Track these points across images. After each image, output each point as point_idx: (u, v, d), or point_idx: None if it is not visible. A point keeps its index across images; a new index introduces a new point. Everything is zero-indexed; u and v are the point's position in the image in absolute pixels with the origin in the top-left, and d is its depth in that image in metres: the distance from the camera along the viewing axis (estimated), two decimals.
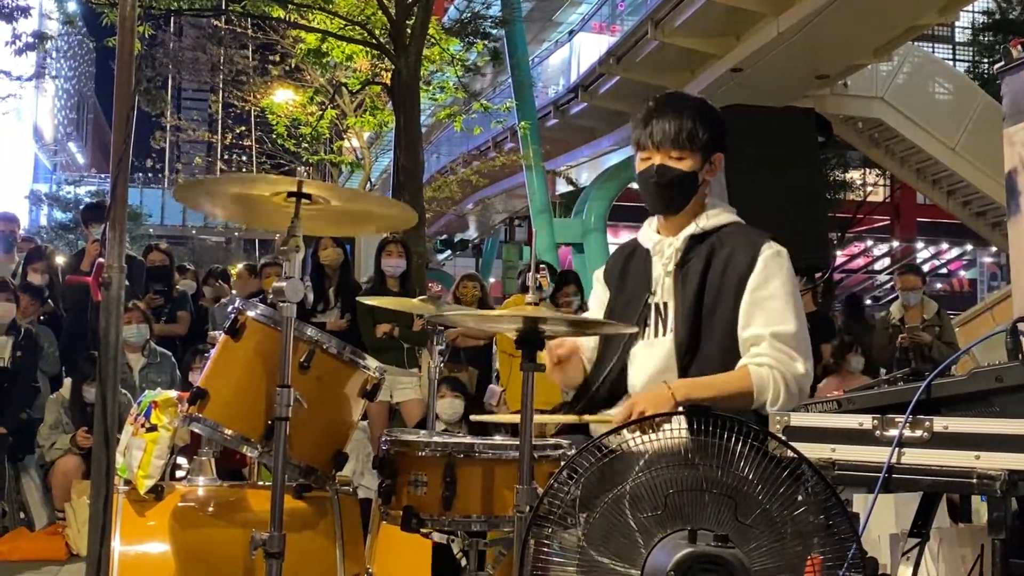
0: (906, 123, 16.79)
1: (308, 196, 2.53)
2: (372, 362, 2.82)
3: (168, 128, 22.52)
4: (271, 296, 2.48)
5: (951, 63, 24.36)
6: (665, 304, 2.57)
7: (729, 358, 2.46)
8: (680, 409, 2.20)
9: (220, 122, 22.12)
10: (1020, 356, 1.97)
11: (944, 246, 30.59)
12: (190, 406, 2.69)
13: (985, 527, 1.89)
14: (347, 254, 6.49)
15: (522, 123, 17.09)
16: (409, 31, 10.11)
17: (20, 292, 6.26)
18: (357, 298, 6.01)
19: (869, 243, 31.42)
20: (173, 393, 3.03)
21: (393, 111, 11.26)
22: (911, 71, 17.47)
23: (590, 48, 20.51)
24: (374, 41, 11.02)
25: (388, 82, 11.18)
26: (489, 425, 6.48)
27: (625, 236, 17.85)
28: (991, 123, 14.66)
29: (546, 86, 22.87)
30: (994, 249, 23.58)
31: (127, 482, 2.91)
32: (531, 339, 2.23)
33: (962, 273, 31.59)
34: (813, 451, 2.02)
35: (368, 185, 17.65)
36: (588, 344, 2.71)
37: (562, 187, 22.31)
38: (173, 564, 2.77)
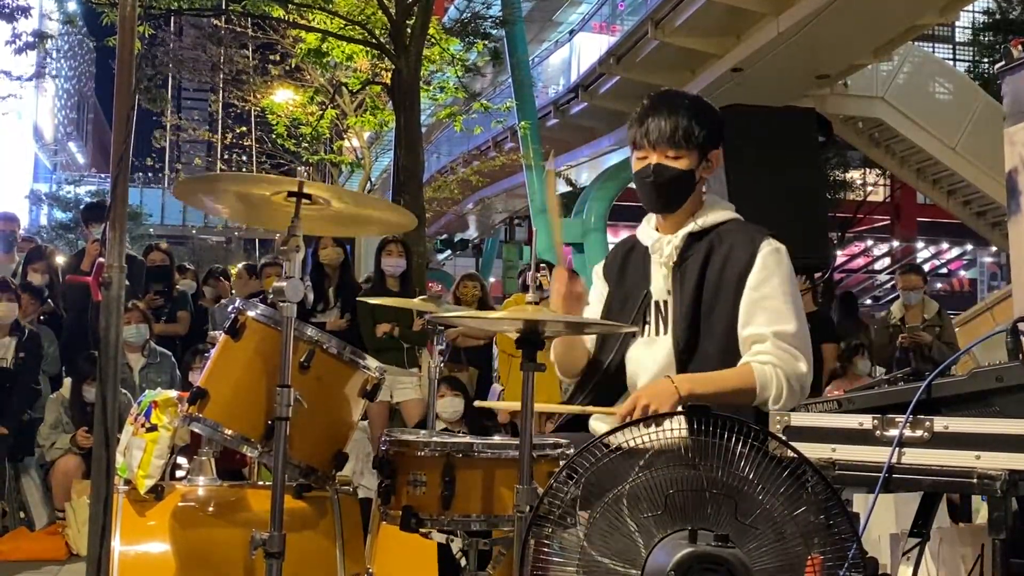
0: (906, 123, 16.79)
1: (308, 196, 2.54)
2: (372, 362, 2.82)
3: (168, 127, 22.54)
4: (271, 296, 2.48)
5: (951, 63, 24.34)
6: (665, 302, 2.57)
7: (728, 356, 2.46)
8: (681, 409, 2.20)
9: (220, 122, 22.12)
10: (1020, 356, 1.97)
11: (944, 246, 30.61)
12: (190, 406, 2.69)
13: (985, 527, 1.89)
14: (347, 254, 6.48)
15: (522, 123, 17.09)
16: (409, 31, 10.11)
17: (20, 292, 6.26)
18: (358, 298, 6.01)
19: (869, 243, 31.45)
20: (173, 393, 3.03)
21: (393, 111, 11.25)
22: (911, 71, 17.46)
23: (590, 48, 20.52)
24: (374, 41, 11.02)
25: (388, 82, 11.19)
26: (490, 425, 6.52)
27: (625, 236, 17.79)
28: (991, 123, 14.67)
29: (546, 86, 22.88)
30: (994, 249, 23.59)
31: (127, 482, 2.91)
32: (531, 339, 2.23)
33: (962, 273, 31.61)
34: (813, 451, 2.02)
35: (368, 185, 17.65)
36: (587, 341, 2.71)
37: (562, 187, 22.30)
38: (173, 564, 2.77)
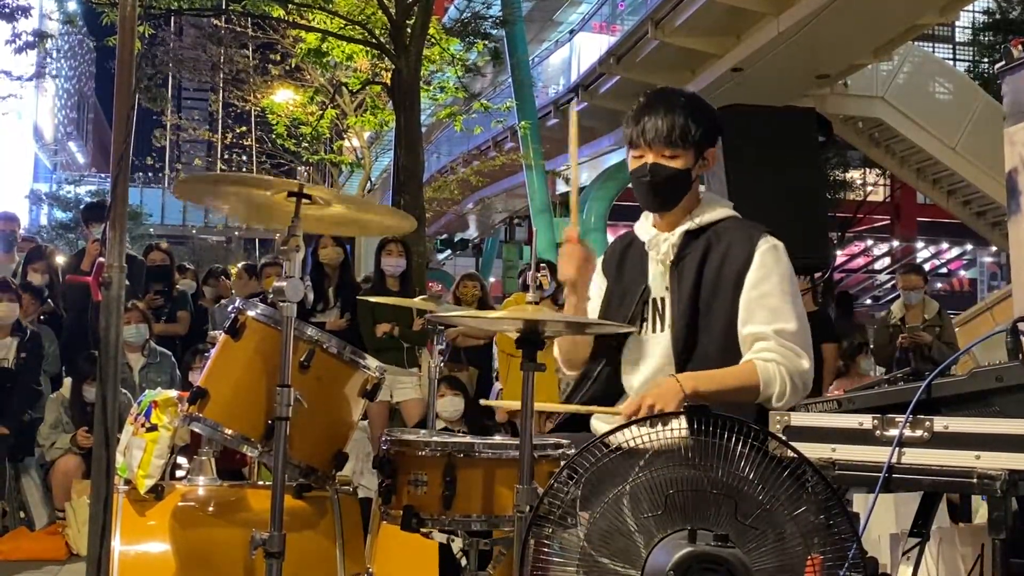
0: (906, 123, 16.78)
1: (308, 196, 2.54)
2: (372, 362, 2.82)
3: (168, 127, 22.54)
4: (271, 296, 2.48)
5: (951, 63, 24.35)
6: (662, 299, 2.57)
7: (728, 354, 2.46)
8: (682, 409, 2.20)
9: (220, 121, 22.13)
10: (1020, 356, 1.97)
11: (944, 246, 30.59)
12: (190, 406, 2.69)
13: (985, 527, 1.89)
14: (347, 253, 6.48)
15: (522, 123, 17.09)
16: (409, 31, 10.11)
17: (21, 292, 6.26)
18: (358, 297, 6.01)
19: (869, 243, 31.43)
20: (173, 393, 3.03)
21: (393, 111, 11.25)
22: (911, 71, 17.46)
23: (590, 48, 20.52)
24: (374, 41, 11.02)
25: (388, 82, 11.19)
26: (490, 424, 6.52)
27: None
28: (991, 123, 14.67)
29: (546, 86, 22.89)
30: (994, 249, 23.59)
31: (127, 482, 2.91)
32: (531, 339, 2.23)
33: (962, 273, 31.60)
34: (813, 451, 2.02)
35: (368, 185, 17.65)
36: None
37: (562, 187, 22.32)
38: (173, 564, 2.77)
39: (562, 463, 2.05)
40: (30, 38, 12.55)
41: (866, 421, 2.03)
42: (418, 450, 2.41)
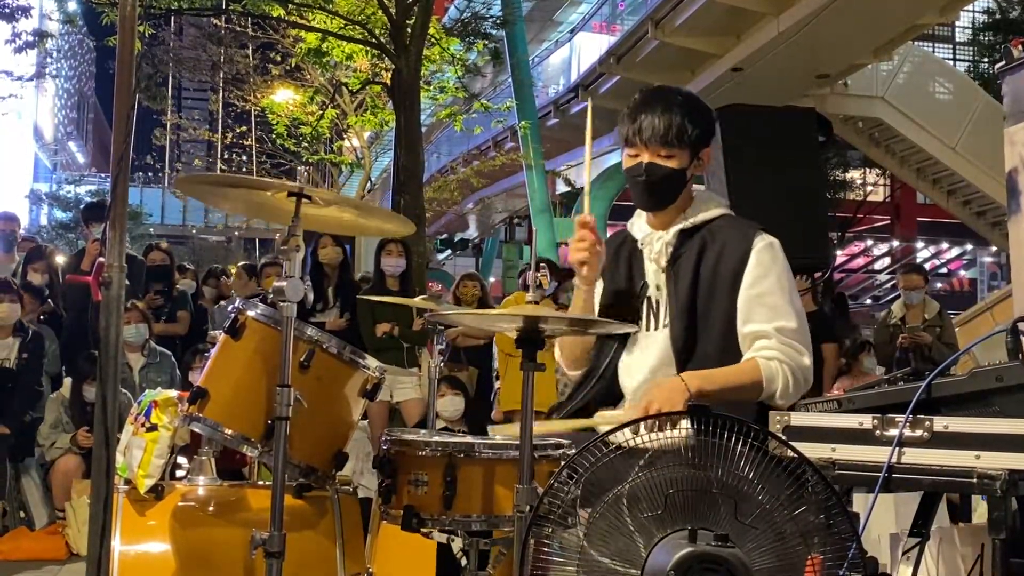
0: (906, 123, 16.79)
1: (309, 196, 2.54)
2: (372, 362, 2.82)
3: (168, 126, 22.55)
4: (271, 295, 2.48)
5: (951, 63, 24.35)
6: (657, 299, 2.56)
7: (727, 353, 2.46)
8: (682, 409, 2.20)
9: (220, 121, 22.13)
10: (1020, 356, 1.97)
11: (944, 246, 30.61)
12: (190, 406, 2.69)
13: (985, 527, 1.89)
14: (346, 253, 6.48)
15: (522, 123, 17.09)
16: (409, 31, 10.11)
17: (22, 292, 6.26)
18: (358, 296, 6.01)
19: (869, 243, 31.45)
20: (173, 393, 3.03)
21: (393, 111, 11.25)
22: (911, 71, 17.46)
23: (590, 48, 20.53)
24: (374, 41, 11.02)
25: (388, 82, 11.19)
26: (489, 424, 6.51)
27: None
28: (991, 123, 14.67)
29: (546, 86, 22.89)
30: (994, 249, 23.59)
31: (127, 481, 2.91)
32: (531, 339, 2.23)
33: (962, 273, 31.60)
34: (813, 451, 2.02)
35: (368, 185, 17.65)
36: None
37: (562, 187, 22.34)
38: (173, 564, 2.77)
39: (562, 463, 2.05)
40: (30, 38, 12.56)
41: (866, 421, 2.03)
42: (418, 450, 2.41)
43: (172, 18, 15.69)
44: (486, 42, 13.32)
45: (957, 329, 7.37)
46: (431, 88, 13.91)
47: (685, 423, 1.94)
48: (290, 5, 11.42)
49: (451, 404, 5.59)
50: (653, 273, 2.58)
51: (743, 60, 14.66)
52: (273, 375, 2.49)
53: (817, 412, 2.19)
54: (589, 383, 2.65)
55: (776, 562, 1.83)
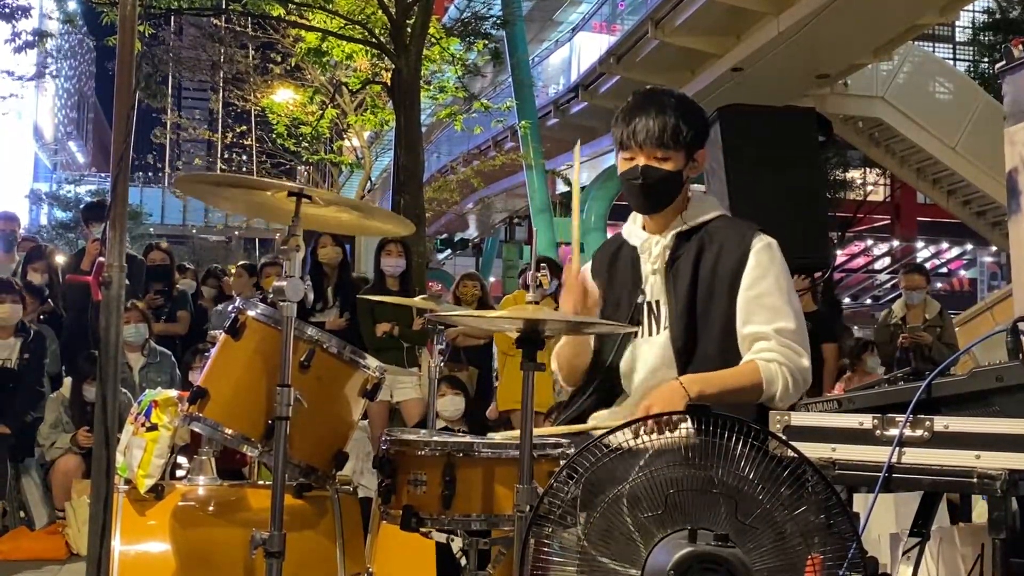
0: (906, 122, 16.79)
1: (309, 196, 2.54)
2: (372, 361, 2.82)
3: (168, 126, 22.55)
4: (271, 295, 2.48)
5: (951, 63, 24.35)
6: (657, 302, 2.56)
7: (727, 354, 2.46)
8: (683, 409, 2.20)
9: (220, 121, 22.14)
10: (1020, 356, 1.97)
11: (944, 245, 30.61)
12: (190, 405, 2.69)
13: (985, 527, 1.89)
14: (346, 253, 6.48)
15: (522, 123, 17.09)
16: (409, 30, 10.11)
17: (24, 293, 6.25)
18: (358, 296, 6.01)
19: (869, 243, 31.45)
20: (173, 392, 3.03)
21: (393, 110, 11.26)
22: (911, 70, 17.47)
23: (590, 47, 20.53)
24: (374, 40, 11.02)
25: (388, 81, 11.19)
26: (490, 424, 6.52)
27: None
28: (991, 122, 14.67)
29: (546, 86, 22.90)
30: (994, 248, 23.58)
31: (127, 481, 2.91)
32: (531, 339, 2.23)
33: (962, 272, 31.59)
34: (814, 451, 2.02)
35: (368, 185, 17.65)
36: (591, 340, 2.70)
37: (562, 187, 22.33)
38: (173, 563, 2.77)
39: (562, 463, 2.05)
40: (30, 38, 12.57)
41: (866, 421, 2.03)
42: (418, 450, 2.41)
43: (172, 18, 15.69)
44: (486, 42, 13.32)
45: (957, 329, 7.37)
46: (431, 88, 13.90)
47: (685, 424, 1.94)
48: (290, 5, 11.42)
49: (451, 404, 5.59)
50: (652, 278, 2.58)
51: (743, 60, 14.66)
52: (273, 375, 2.49)
53: (817, 412, 2.19)
54: (585, 392, 2.64)
55: (776, 562, 1.83)
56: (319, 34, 12.08)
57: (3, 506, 5.73)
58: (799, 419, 2.14)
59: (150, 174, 39.03)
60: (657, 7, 15.29)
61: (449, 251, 31.41)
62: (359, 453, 5.36)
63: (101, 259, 2.50)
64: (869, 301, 29.86)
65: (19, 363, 5.93)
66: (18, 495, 5.85)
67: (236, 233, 36.59)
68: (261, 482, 3.14)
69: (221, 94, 19.83)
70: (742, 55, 14.61)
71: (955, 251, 30.55)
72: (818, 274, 5.43)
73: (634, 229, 2.67)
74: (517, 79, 18.36)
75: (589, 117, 19.45)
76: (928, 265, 28.41)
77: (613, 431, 1.97)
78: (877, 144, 17.72)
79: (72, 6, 19.69)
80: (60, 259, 7.37)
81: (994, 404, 1.96)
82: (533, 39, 25.50)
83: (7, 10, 12.06)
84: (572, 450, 2.28)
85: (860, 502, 2.26)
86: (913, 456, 1.96)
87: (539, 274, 2.51)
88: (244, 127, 20.60)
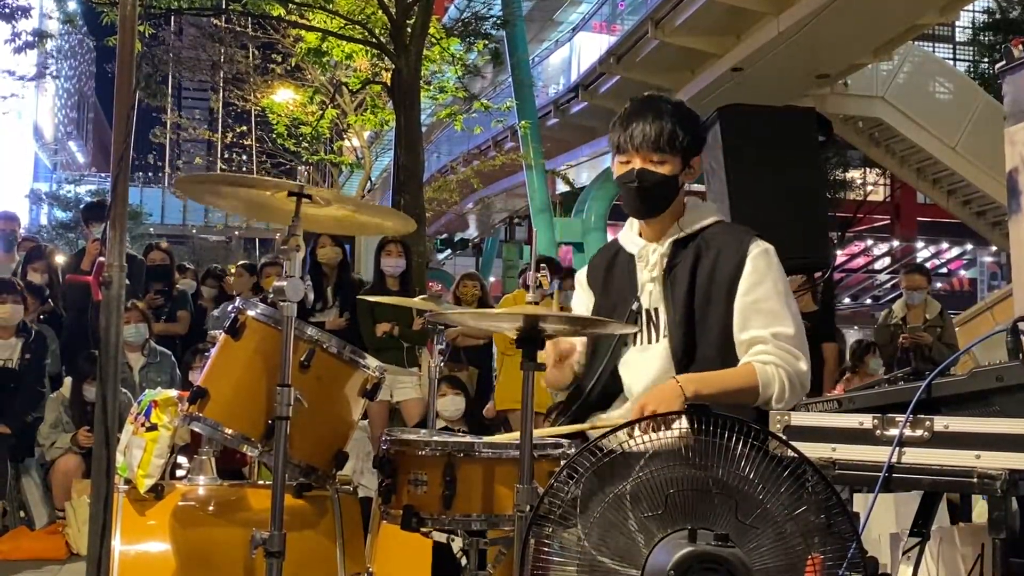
0: (906, 122, 16.79)
1: (309, 196, 2.54)
2: (372, 361, 2.82)
3: (168, 125, 22.54)
4: (271, 295, 2.48)
5: (951, 63, 24.35)
6: (656, 310, 2.56)
7: (727, 360, 2.46)
8: (683, 409, 2.20)
9: (220, 121, 22.13)
10: (1020, 355, 1.97)
11: (944, 245, 30.59)
12: (190, 405, 2.69)
13: (985, 527, 1.89)
14: (345, 253, 6.48)
15: (522, 123, 17.09)
16: (409, 30, 10.11)
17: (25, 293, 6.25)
18: (358, 296, 6.01)
19: (869, 242, 31.43)
20: (173, 392, 3.03)
21: (393, 110, 11.26)
22: (911, 70, 17.47)
23: (590, 47, 20.53)
24: (374, 40, 11.02)
25: (388, 81, 11.19)
26: (489, 424, 6.51)
27: None
28: (991, 122, 14.68)
29: (546, 85, 22.89)
30: (994, 248, 23.58)
31: (127, 481, 2.91)
32: (531, 338, 2.23)
33: (962, 272, 31.58)
34: (814, 450, 2.02)
35: (368, 185, 17.65)
36: (577, 347, 2.70)
37: (562, 187, 22.32)
38: (173, 563, 2.77)
39: (562, 463, 2.05)
40: (30, 38, 12.56)
41: (866, 421, 2.03)
42: (418, 450, 2.41)
43: (172, 18, 15.69)
44: (486, 42, 13.32)
45: (957, 329, 7.37)
46: (431, 88, 13.90)
47: (681, 423, 1.94)
48: (290, 5, 11.42)
49: (452, 404, 5.59)
50: (652, 287, 2.58)
51: (743, 60, 14.66)
52: (273, 375, 2.49)
53: (817, 412, 2.19)
54: (580, 396, 2.64)
55: (776, 562, 1.83)
56: (319, 34, 12.07)
57: (3, 506, 5.73)
58: (799, 419, 2.14)
59: (150, 174, 39.04)
60: (657, 7, 15.29)
61: (449, 251, 31.41)
62: (359, 453, 5.36)
63: (101, 259, 2.50)
64: (869, 301, 29.84)
65: (20, 363, 5.93)
66: (18, 495, 5.85)
67: (236, 233, 36.57)
68: (261, 482, 3.14)
69: (221, 94, 19.82)
70: (742, 55, 14.61)
71: (955, 251, 30.53)
72: (818, 274, 5.43)
73: (631, 236, 2.67)
74: (517, 79, 18.36)
75: (589, 117, 19.44)
76: (928, 265, 28.42)
77: (612, 431, 1.97)
78: (877, 144, 17.72)
79: (72, 6, 19.68)
80: (60, 259, 7.38)
81: (994, 404, 1.96)
82: (533, 39, 25.50)
83: (7, 10, 12.06)
84: (572, 450, 2.29)
85: (860, 502, 2.26)
86: (913, 456, 1.96)
87: (539, 274, 2.51)
88: (244, 127, 20.60)
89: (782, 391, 2.39)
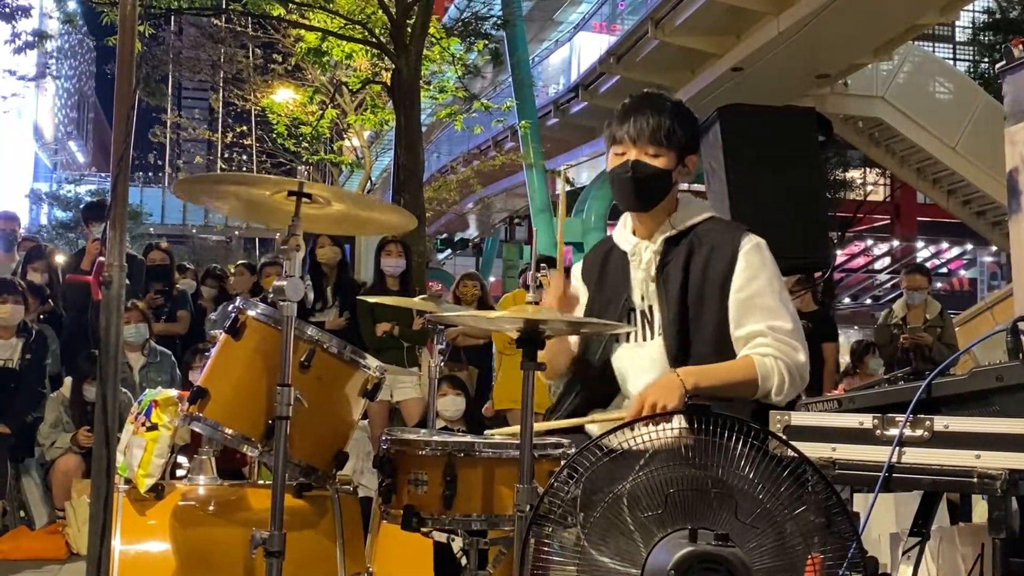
0: (906, 122, 16.79)
1: (308, 195, 2.54)
2: (372, 361, 2.82)
3: (168, 125, 22.54)
4: (271, 295, 2.48)
5: (951, 63, 24.34)
6: (650, 308, 2.56)
7: (723, 357, 2.46)
8: (682, 407, 2.20)
9: (220, 120, 22.14)
10: (1020, 355, 1.97)
11: (944, 245, 30.59)
12: (190, 405, 2.69)
13: (985, 527, 1.89)
14: (344, 253, 6.48)
15: (522, 122, 17.09)
16: (409, 30, 10.11)
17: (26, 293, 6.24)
18: (358, 297, 6.01)
19: (869, 242, 31.43)
20: (173, 392, 3.03)
21: (393, 110, 11.26)
22: (911, 70, 17.47)
23: (590, 47, 20.53)
24: (374, 40, 11.02)
25: (388, 81, 11.19)
26: (489, 424, 6.51)
27: None
28: (991, 122, 14.68)
29: (546, 85, 22.89)
30: (994, 248, 23.58)
31: (127, 481, 2.91)
32: (531, 338, 2.23)
33: (962, 272, 31.58)
34: (814, 450, 2.02)
35: (368, 184, 17.65)
36: (573, 338, 2.71)
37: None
38: (173, 563, 2.77)
39: (562, 463, 2.05)
40: (30, 38, 12.56)
41: (866, 420, 2.03)
42: (418, 449, 2.41)
43: (172, 18, 15.69)
44: (486, 42, 13.32)
45: (957, 329, 7.37)
46: (431, 88, 13.90)
47: (678, 420, 1.94)
48: (290, 4, 11.42)
49: (452, 404, 5.60)
50: (644, 285, 2.58)
51: (743, 60, 14.66)
52: (273, 374, 2.49)
53: (817, 412, 2.19)
54: (572, 393, 2.65)
55: (776, 562, 1.83)
56: (319, 34, 12.07)
57: (3, 506, 5.73)
58: (799, 419, 2.14)
59: (150, 174, 39.03)
60: (657, 7, 15.29)
61: (449, 251, 31.41)
62: (359, 453, 5.36)
63: (101, 259, 2.50)
64: (869, 301, 29.85)
65: (21, 363, 5.93)
66: (18, 495, 5.85)
67: (236, 233, 36.59)
68: (261, 482, 3.14)
69: (221, 94, 19.82)
70: (742, 55, 14.61)
71: (955, 251, 30.53)
72: (818, 274, 5.44)
73: (624, 234, 2.67)
74: (517, 79, 18.36)
75: (589, 117, 19.44)
76: (928, 265, 28.41)
77: (612, 431, 1.97)
78: (877, 144, 17.72)
79: (72, 6, 19.67)
80: (60, 259, 7.37)
81: (994, 404, 1.96)
82: (533, 39, 25.50)
83: (7, 10, 12.06)
84: (572, 450, 2.29)
85: (860, 502, 2.26)
86: (913, 456, 1.96)
87: (539, 274, 2.52)
88: (244, 127, 20.60)
89: (781, 383, 2.39)
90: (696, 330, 2.48)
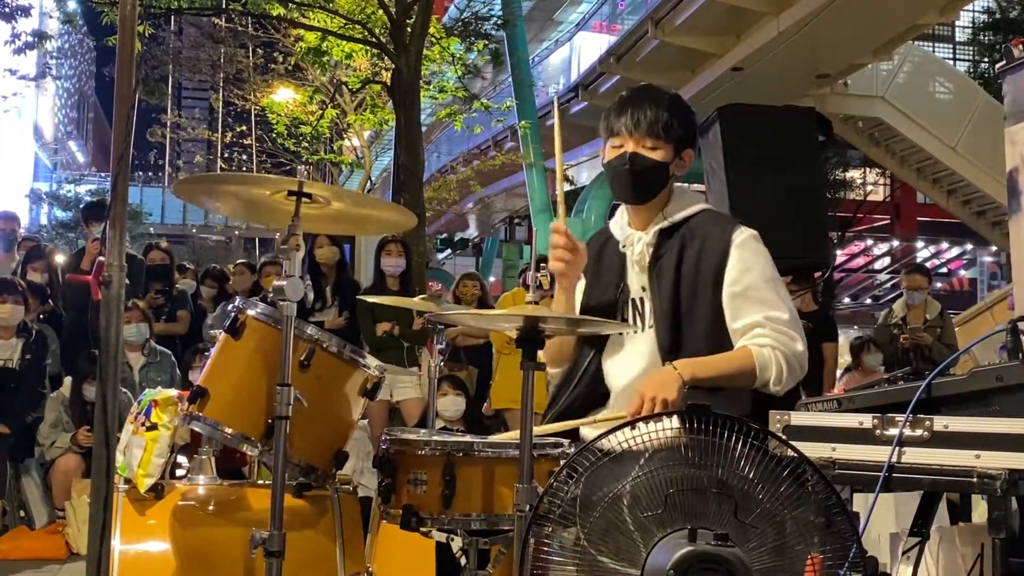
0: (906, 122, 16.79)
1: (308, 195, 2.54)
2: (372, 361, 2.82)
3: (168, 125, 22.54)
4: (271, 295, 2.48)
5: (951, 63, 24.34)
6: (642, 299, 2.57)
7: (716, 351, 2.45)
8: (681, 408, 2.20)
9: (220, 120, 22.13)
10: (1020, 355, 1.97)
11: (944, 245, 30.59)
12: (190, 405, 2.68)
13: (985, 527, 1.89)
14: (343, 252, 6.48)
15: (522, 122, 17.09)
16: (409, 30, 10.11)
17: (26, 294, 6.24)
18: (358, 296, 6.01)
19: (869, 242, 31.43)
20: (173, 392, 3.03)
21: (393, 110, 11.26)
22: (911, 70, 17.46)
23: (590, 47, 20.52)
24: (374, 40, 11.02)
25: (388, 81, 11.19)
26: (489, 423, 6.51)
27: None
28: (991, 122, 14.68)
29: (546, 85, 22.88)
30: (994, 248, 23.58)
31: (127, 481, 2.91)
32: (531, 338, 2.23)
33: (962, 272, 31.58)
34: (814, 450, 2.02)
35: (368, 184, 17.65)
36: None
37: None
38: (173, 563, 2.77)
39: (562, 462, 2.05)
40: (30, 38, 12.56)
41: (866, 420, 2.03)
42: (418, 449, 2.41)
43: (172, 18, 15.69)
44: (486, 42, 13.32)
45: (957, 329, 7.38)
46: (431, 88, 13.90)
47: (670, 421, 1.94)
48: (290, 4, 11.42)
49: (452, 404, 5.59)
50: (636, 275, 2.59)
51: (743, 60, 14.66)
52: (273, 374, 2.49)
53: (817, 411, 2.19)
54: (570, 386, 2.64)
55: (776, 562, 1.83)
56: (319, 34, 12.07)
57: (3, 506, 5.73)
58: (799, 419, 2.14)
59: (150, 174, 39.02)
60: (657, 7, 15.28)
61: (449, 251, 31.41)
62: (359, 453, 5.36)
63: (101, 259, 2.50)
64: (869, 301, 29.85)
65: (21, 363, 5.93)
66: (18, 495, 5.85)
67: (236, 233, 36.58)
68: (261, 481, 3.14)
69: (221, 93, 19.82)
70: (742, 55, 14.61)
71: (955, 251, 30.54)
72: (818, 274, 5.43)
73: (620, 223, 2.68)
74: (517, 79, 18.35)
75: (589, 117, 19.42)
76: (928, 265, 28.40)
77: (612, 431, 1.97)
78: (877, 144, 17.72)
79: (72, 6, 19.67)
80: (60, 259, 7.37)
81: (994, 404, 1.96)
82: (533, 39, 25.49)
83: (7, 10, 12.05)
84: (572, 450, 2.28)
85: (860, 502, 2.26)
86: (913, 456, 1.96)
87: (539, 274, 2.51)
88: (244, 127, 20.59)
89: (780, 373, 2.39)
90: (689, 325, 2.48)
